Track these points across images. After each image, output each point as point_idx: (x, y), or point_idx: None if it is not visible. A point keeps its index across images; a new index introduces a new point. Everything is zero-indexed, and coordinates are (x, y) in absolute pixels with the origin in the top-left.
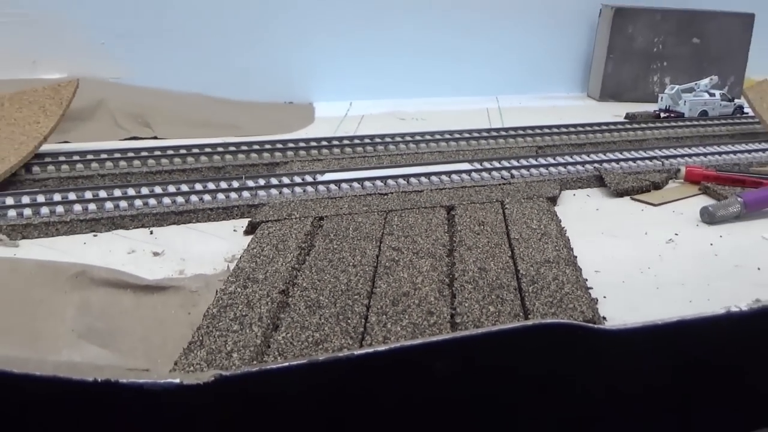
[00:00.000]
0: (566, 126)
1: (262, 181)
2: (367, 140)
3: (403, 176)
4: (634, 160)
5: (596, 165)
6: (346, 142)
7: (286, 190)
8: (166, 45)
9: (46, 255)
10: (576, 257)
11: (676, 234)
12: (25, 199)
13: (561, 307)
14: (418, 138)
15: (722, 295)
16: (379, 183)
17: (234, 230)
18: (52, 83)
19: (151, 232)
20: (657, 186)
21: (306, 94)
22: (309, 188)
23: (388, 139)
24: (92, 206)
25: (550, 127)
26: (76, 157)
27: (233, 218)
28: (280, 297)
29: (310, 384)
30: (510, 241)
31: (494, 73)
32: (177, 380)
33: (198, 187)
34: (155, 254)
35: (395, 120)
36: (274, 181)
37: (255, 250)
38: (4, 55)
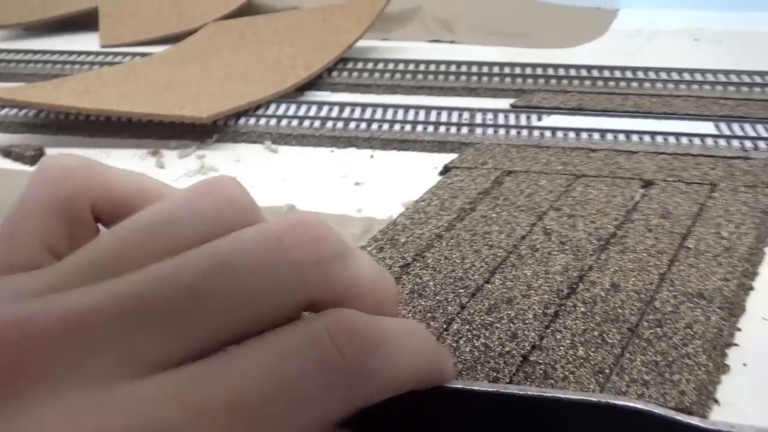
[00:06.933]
0: None
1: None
2: (609, 73)
3: (624, 131)
4: None
5: None
6: (586, 73)
7: (500, 132)
8: None
9: (293, 158)
10: (748, 293)
11: None
12: (292, 109)
13: (663, 375)
14: (675, 77)
15: None
16: (596, 136)
17: (435, 167)
18: None
19: (372, 156)
20: None
21: None
22: (523, 132)
23: (640, 74)
24: (338, 125)
25: None
26: (359, 65)
27: (444, 152)
28: (398, 272)
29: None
30: (677, 251)
31: None
32: None
33: (420, 116)
34: (356, 184)
35: (690, 41)
36: (481, 119)
37: (421, 204)
38: None
